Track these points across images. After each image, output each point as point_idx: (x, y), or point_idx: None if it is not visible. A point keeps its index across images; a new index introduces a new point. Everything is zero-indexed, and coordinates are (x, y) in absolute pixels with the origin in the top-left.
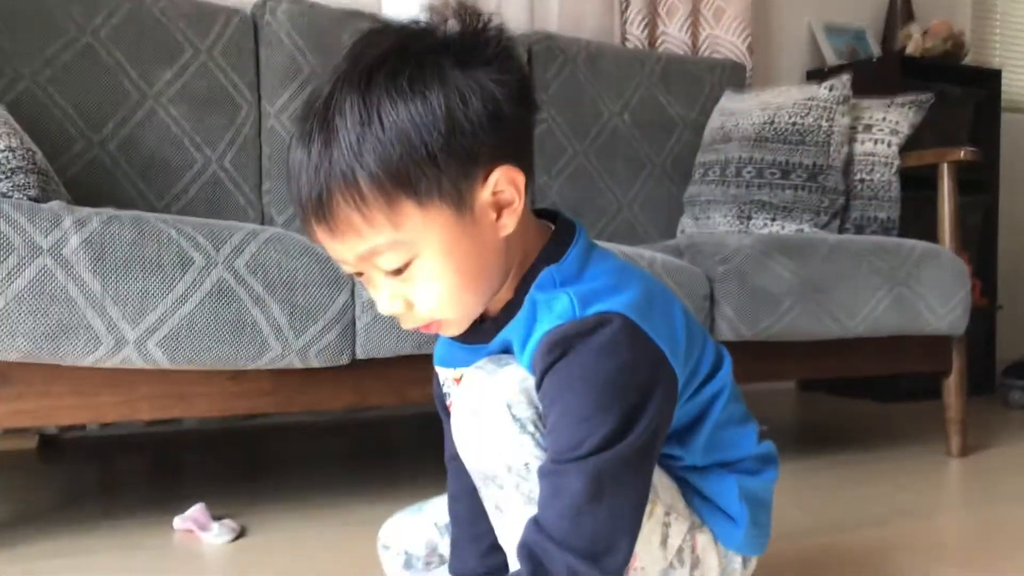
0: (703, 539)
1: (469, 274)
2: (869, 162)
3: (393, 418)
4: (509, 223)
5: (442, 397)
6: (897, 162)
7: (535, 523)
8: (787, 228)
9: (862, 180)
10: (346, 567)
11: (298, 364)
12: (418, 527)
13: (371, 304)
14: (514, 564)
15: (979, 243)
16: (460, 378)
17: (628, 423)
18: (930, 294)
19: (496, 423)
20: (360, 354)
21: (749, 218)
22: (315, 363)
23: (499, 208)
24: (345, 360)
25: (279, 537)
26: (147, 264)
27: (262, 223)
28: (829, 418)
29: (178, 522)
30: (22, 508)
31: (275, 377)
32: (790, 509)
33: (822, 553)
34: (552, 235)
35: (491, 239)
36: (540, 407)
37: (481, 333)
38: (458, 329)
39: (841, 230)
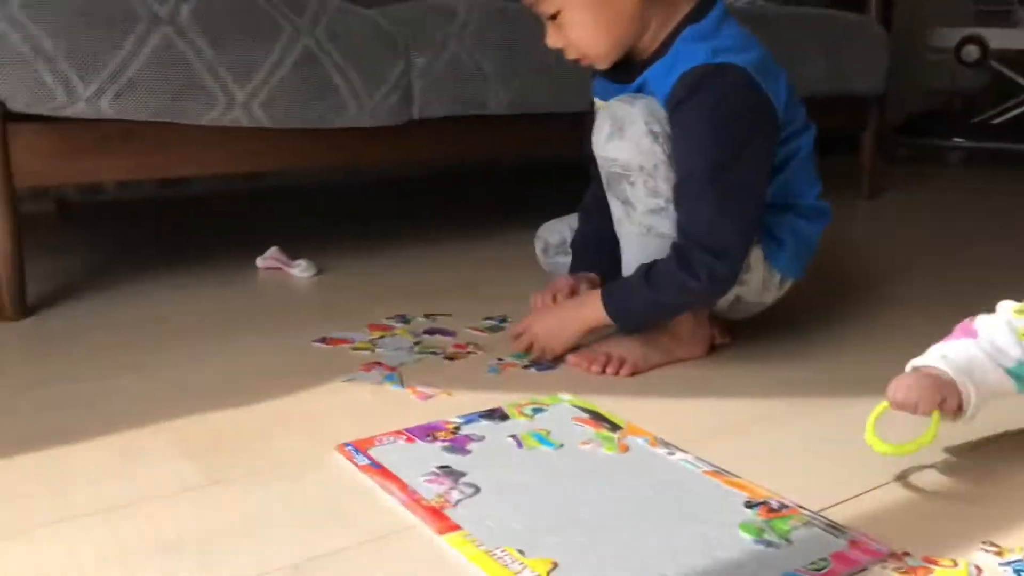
0: (756, 253)
1: (605, 25)
2: None
3: (448, 173)
4: None
5: (588, 142)
6: None
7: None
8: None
9: None
10: (440, 288)
11: (368, 123)
12: (557, 226)
13: (426, 70)
14: (629, 247)
15: None
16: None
17: (740, 151)
18: (857, 60)
19: (637, 133)
20: (415, 114)
21: None
22: (384, 122)
23: None
24: (404, 119)
25: (359, 273)
26: (247, 31)
27: None
28: None
29: (260, 261)
30: (115, 252)
31: (348, 135)
32: None
33: None
34: (696, 2)
35: (628, 4)
36: (668, 129)
37: (628, 74)
38: (603, 64)
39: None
